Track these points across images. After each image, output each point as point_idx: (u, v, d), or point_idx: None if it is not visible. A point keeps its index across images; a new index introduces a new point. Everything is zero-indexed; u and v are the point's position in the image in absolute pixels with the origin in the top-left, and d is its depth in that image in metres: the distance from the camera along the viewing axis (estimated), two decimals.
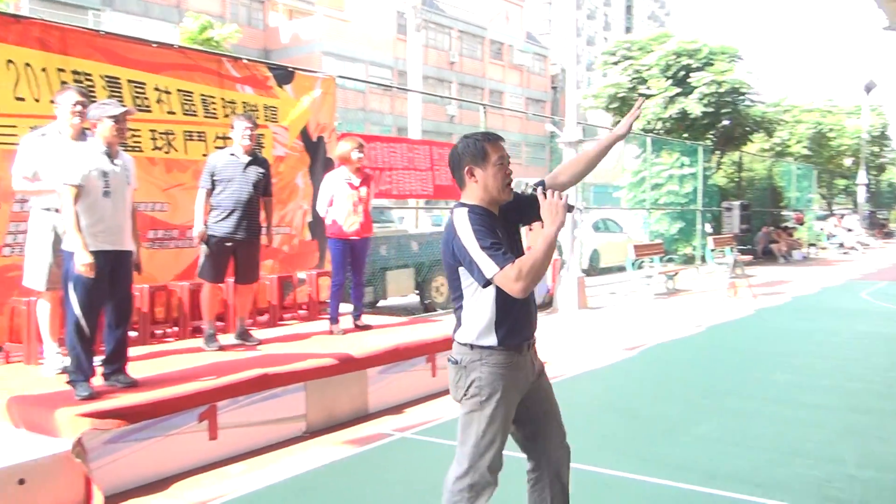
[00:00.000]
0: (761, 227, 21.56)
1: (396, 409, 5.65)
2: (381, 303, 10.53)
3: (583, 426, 5.23)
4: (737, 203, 13.48)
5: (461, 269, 2.67)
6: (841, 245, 26.04)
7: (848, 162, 37.37)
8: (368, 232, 6.55)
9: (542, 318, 10.05)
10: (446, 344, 6.28)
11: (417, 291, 10.99)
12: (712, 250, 16.97)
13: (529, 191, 2.84)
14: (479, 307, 2.67)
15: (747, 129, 22.21)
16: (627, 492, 4.00)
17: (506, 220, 2.76)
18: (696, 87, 19.96)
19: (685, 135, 20.42)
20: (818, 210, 30.55)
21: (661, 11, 77.40)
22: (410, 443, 4.89)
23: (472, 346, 2.69)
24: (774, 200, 24.66)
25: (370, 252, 7.01)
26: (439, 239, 11.96)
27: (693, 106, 19.82)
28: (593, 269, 16.68)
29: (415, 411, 5.61)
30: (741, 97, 20.91)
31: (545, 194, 2.61)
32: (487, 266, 2.53)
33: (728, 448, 4.62)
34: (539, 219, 2.73)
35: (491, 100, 45.26)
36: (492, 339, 2.66)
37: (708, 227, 16.44)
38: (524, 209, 2.85)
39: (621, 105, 21.50)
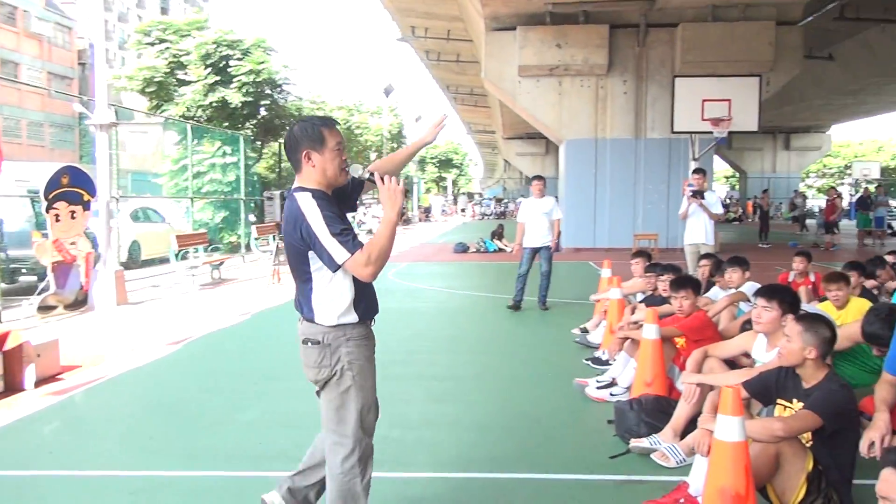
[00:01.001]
0: None
1: None
2: None
3: (127, 429, 4.92)
4: (277, 192, 14.03)
5: (310, 253, 2.74)
6: (370, 231, 28.92)
7: (373, 156, 41.65)
8: None
9: (76, 317, 9.16)
10: None
11: None
12: (256, 239, 17.39)
13: (367, 176, 2.96)
14: (337, 289, 2.80)
15: (285, 121, 23.21)
16: (177, 489, 3.87)
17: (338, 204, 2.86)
18: (235, 77, 20.14)
19: (226, 124, 20.49)
20: None
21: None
22: None
23: (335, 326, 2.81)
24: None
25: None
26: None
27: (233, 95, 20.00)
28: (133, 262, 15.73)
29: None
30: (278, 89, 21.74)
31: (382, 179, 2.74)
32: (338, 252, 2.66)
33: (275, 430, 4.78)
34: (353, 207, 3.12)
35: (3, 71, 39.45)
36: (353, 317, 2.84)
37: (251, 216, 16.78)
38: (346, 194, 3.02)
39: (158, 89, 20.64)
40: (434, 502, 3.69)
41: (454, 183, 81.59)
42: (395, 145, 44.68)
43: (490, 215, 50.67)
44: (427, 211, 50.41)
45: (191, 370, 6.67)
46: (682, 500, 3.33)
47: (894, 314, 4.18)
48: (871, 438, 3.31)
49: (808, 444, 3.30)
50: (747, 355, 4.40)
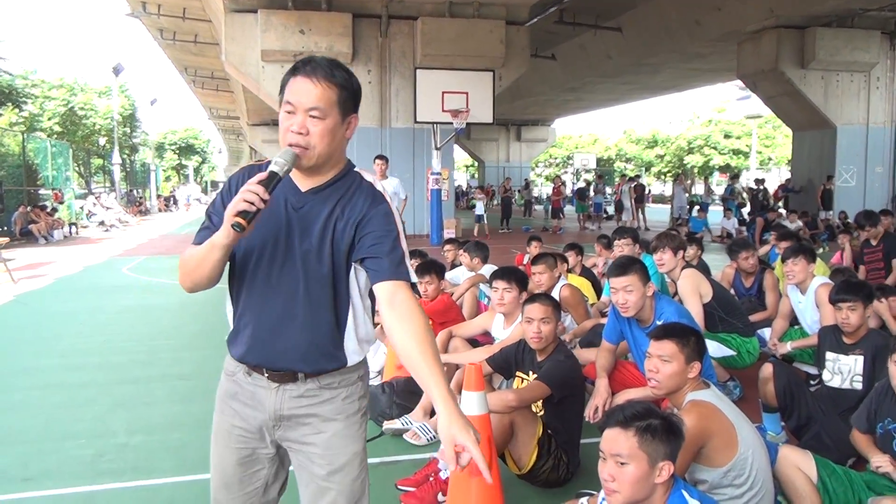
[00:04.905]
0: (18, 207, 20.35)
1: None
2: None
3: None
4: None
5: None
6: (102, 223, 26.56)
7: (102, 141, 38.27)
8: None
9: None
10: None
11: None
12: None
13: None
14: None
15: None
16: None
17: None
18: None
19: None
20: (77, 188, 30.42)
21: None
22: None
23: None
24: (30, 178, 23.55)
25: None
26: None
27: None
28: None
29: None
30: None
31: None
32: None
33: None
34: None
35: None
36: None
37: None
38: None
39: None
40: None
41: (196, 171, 77.52)
42: (128, 129, 41.49)
43: None
44: (168, 200, 47.38)
45: None
46: (431, 476, 3.48)
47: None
48: (595, 405, 3.70)
49: (540, 413, 3.61)
50: (487, 333, 4.70)
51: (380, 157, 9.76)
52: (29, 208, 20.88)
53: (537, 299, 3.80)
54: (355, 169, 2.02)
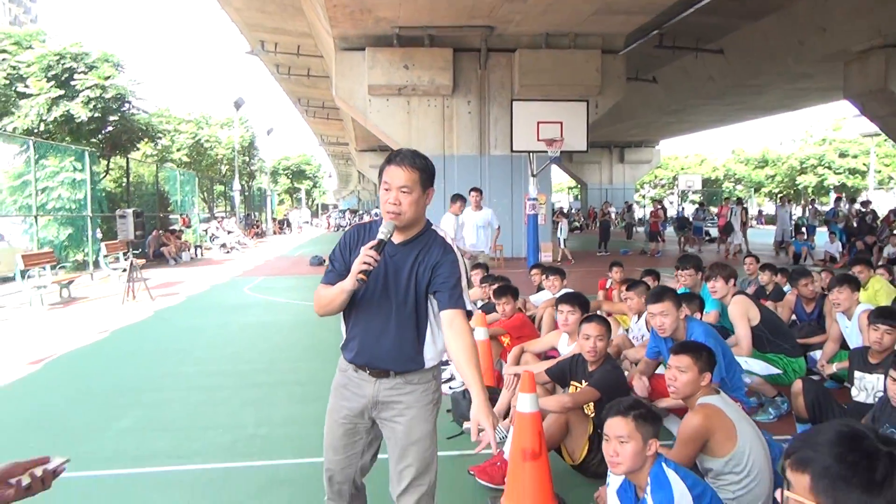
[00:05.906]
0: (152, 231, 22.40)
1: None
2: None
3: (2, 446, 5.22)
4: (130, 210, 13.91)
5: None
6: (223, 245, 28.66)
7: (224, 169, 41.05)
8: None
9: None
10: None
11: None
12: (105, 256, 17.10)
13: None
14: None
15: (133, 135, 22.71)
16: (65, 489, 4.31)
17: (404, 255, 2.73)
18: (80, 91, 19.62)
19: (68, 138, 19.93)
20: (201, 213, 32.85)
21: (27, 17, 71.66)
22: None
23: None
24: (162, 204, 25.80)
25: None
26: None
27: (79, 109, 19.46)
28: None
29: None
30: (127, 104, 21.34)
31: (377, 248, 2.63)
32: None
33: (151, 434, 5.27)
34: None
35: None
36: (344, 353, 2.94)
37: (98, 233, 16.47)
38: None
39: None
40: (302, 482, 4.36)
41: (308, 194, 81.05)
42: (247, 157, 44.26)
43: (345, 227, 51.12)
44: (282, 223, 50.06)
45: (58, 387, 6.91)
46: (498, 462, 4.21)
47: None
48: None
49: (592, 415, 4.27)
50: (554, 349, 5.39)
51: (474, 189, 10.40)
52: (161, 232, 22.96)
53: (593, 319, 4.47)
54: (432, 227, 2.82)
